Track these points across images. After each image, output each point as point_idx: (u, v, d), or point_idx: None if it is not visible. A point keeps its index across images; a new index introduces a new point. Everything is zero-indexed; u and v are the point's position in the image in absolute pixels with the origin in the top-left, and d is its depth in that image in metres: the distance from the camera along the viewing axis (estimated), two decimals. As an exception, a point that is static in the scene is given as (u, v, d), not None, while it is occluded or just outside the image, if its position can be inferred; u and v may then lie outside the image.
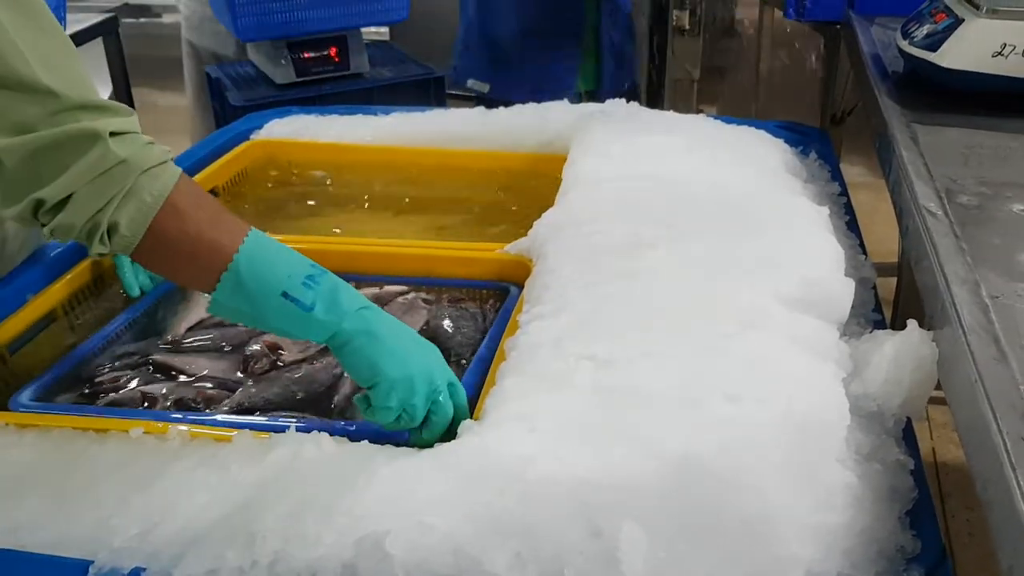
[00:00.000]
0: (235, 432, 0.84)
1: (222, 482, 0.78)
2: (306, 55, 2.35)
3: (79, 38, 2.23)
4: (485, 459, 0.76)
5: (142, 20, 3.72)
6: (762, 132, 1.43)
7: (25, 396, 0.96)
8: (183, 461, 0.81)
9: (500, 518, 0.70)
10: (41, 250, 1.19)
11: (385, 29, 2.85)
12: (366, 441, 0.83)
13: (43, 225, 0.80)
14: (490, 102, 1.75)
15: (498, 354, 0.95)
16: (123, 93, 2.43)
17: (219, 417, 0.92)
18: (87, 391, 1.01)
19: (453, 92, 2.64)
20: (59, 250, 1.18)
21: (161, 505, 0.76)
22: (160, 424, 0.86)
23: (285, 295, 0.80)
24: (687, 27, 3.01)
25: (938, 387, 0.88)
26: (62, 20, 1.93)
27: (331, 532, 0.71)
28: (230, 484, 0.78)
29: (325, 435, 0.82)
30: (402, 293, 1.16)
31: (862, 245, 1.21)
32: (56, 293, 1.14)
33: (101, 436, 0.85)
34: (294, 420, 0.90)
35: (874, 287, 1.12)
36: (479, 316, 1.12)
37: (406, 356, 0.83)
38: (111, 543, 0.73)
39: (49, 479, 0.81)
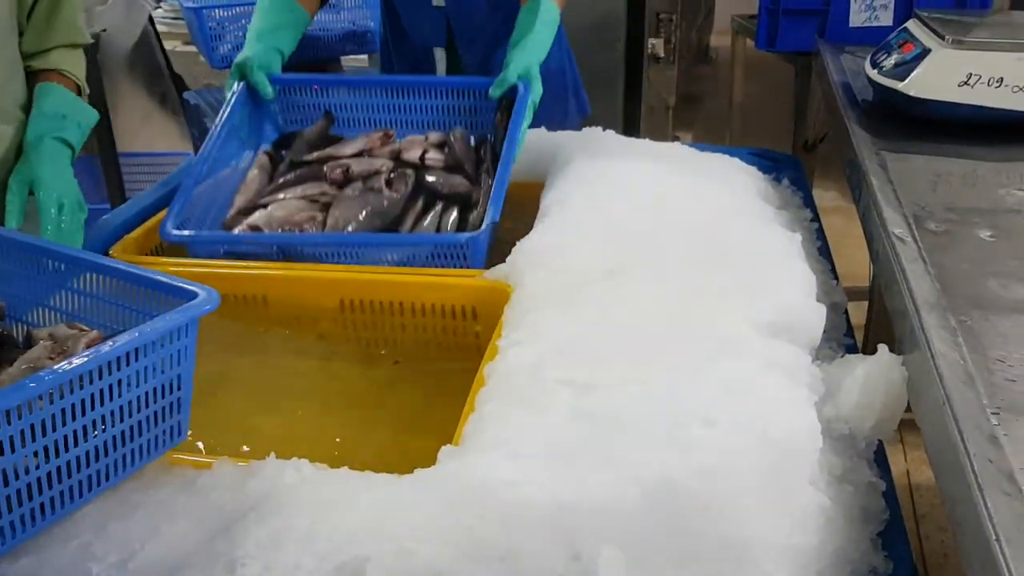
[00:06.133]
0: (215, 460, 0.84)
1: (202, 508, 0.78)
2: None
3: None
4: (466, 484, 0.76)
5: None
6: (736, 159, 1.45)
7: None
8: (163, 488, 0.81)
9: (481, 543, 0.71)
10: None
11: (364, 56, 2.86)
12: (346, 468, 0.83)
13: None
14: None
15: (477, 379, 0.96)
16: (102, 114, 2.44)
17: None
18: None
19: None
20: None
21: (141, 532, 0.76)
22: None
23: None
24: (662, 55, 3.06)
25: (909, 410, 0.90)
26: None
27: (311, 558, 0.71)
28: (210, 510, 0.78)
29: (305, 461, 0.82)
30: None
31: (834, 271, 1.24)
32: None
33: (80, 463, 0.85)
34: None
35: (846, 312, 1.14)
36: None
37: None
38: (91, 570, 0.73)
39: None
